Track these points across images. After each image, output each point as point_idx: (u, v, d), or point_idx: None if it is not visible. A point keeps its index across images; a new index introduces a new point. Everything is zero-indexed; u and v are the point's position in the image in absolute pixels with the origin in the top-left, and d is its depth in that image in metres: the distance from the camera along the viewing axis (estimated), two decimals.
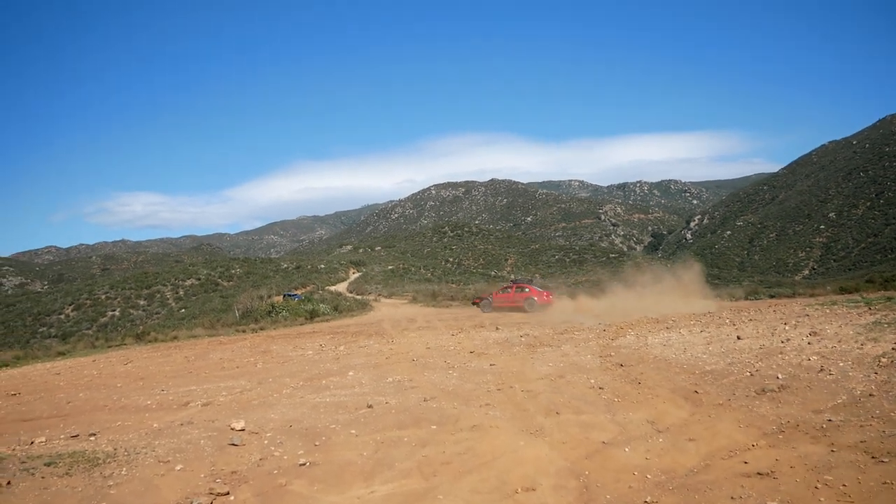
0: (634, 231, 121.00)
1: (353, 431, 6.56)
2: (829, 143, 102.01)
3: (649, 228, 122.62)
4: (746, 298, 25.24)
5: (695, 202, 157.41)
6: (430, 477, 5.24)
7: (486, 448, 5.85)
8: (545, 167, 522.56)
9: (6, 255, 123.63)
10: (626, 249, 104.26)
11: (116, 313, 46.64)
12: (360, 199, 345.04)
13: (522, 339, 13.43)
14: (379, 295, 39.94)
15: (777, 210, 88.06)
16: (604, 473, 5.12)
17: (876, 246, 65.24)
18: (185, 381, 10.71)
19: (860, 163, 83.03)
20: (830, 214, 76.28)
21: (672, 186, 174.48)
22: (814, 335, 9.26)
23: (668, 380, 7.95)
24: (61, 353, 21.16)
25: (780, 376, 7.29)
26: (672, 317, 15.45)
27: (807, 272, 69.08)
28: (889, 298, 14.55)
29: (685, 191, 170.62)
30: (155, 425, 7.32)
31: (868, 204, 73.74)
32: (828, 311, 12.39)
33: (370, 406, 7.56)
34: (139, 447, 6.27)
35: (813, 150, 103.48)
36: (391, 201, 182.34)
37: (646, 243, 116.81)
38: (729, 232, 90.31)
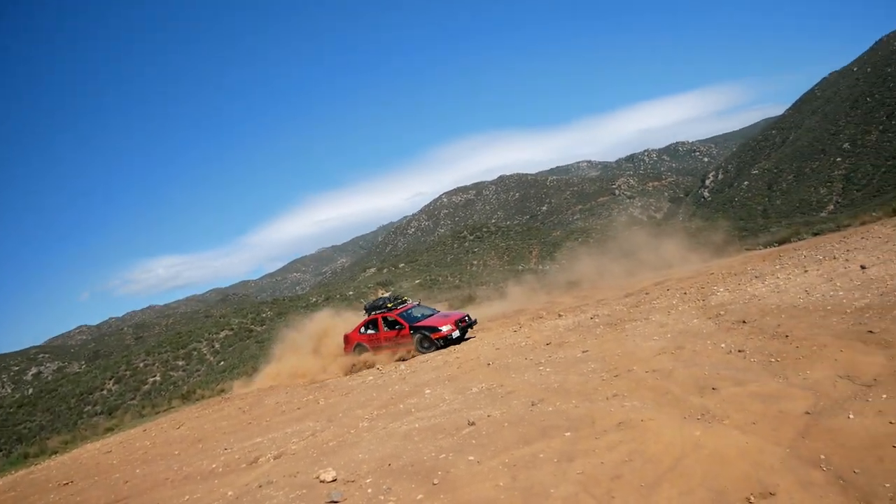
0: (651, 200, 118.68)
1: (470, 458, 5.24)
2: (831, 74, 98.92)
3: (665, 195, 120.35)
4: (783, 243, 24.09)
5: (706, 160, 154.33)
6: (608, 502, 3.95)
7: (655, 448, 4.50)
8: (552, 154, 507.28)
9: (40, 343, 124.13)
10: (645, 219, 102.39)
11: (157, 378, 45.86)
12: (375, 221, 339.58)
13: (595, 320, 12.11)
14: None
15: (790, 151, 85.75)
16: (847, 453, 3.79)
17: None
18: (247, 434, 9.48)
19: (865, 88, 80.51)
20: (844, 145, 74.00)
21: (680, 148, 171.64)
22: None
23: (818, 326, 6.58)
24: (109, 429, 20.21)
25: None
26: (747, 266, 14.11)
27: (831, 207, 66.92)
28: None
29: (694, 150, 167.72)
30: (230, 493, 6.09)
31: (880, 128, 71.41)
32: None
33: (472, 423, 6.27)
34: None
35: (815, 85, 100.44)
36: (405, 217, 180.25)
37: (665, 209, 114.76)
38: (746, 182, 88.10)
